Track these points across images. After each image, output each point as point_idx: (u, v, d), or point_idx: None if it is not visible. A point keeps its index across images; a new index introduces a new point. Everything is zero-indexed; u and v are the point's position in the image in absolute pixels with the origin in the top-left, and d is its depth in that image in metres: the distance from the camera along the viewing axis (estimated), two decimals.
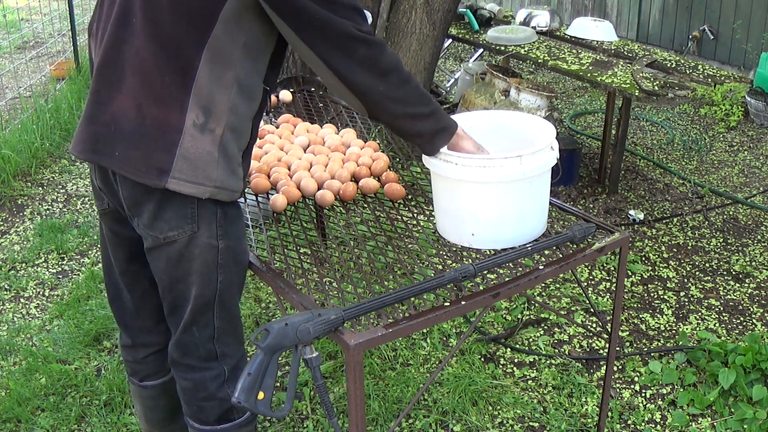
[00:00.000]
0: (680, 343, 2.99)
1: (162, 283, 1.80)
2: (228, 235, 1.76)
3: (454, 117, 1.96)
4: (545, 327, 3.13)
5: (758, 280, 3.46)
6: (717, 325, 3.14)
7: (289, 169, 2.39)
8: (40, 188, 4.44)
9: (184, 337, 1.83)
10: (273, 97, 3.02)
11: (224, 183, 1.69)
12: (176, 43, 1.60)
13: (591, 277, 3.48)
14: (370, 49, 1.65)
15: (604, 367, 2.36)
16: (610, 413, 2.63)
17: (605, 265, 3.56)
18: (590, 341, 3.04)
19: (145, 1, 1.61)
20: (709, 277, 3.49)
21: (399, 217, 2.22)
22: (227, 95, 1.64)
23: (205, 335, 1.82)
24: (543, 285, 3.38)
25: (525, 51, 4.47)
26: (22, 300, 3.37)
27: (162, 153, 1.62)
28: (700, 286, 3.42)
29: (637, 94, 3.79)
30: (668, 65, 4.24)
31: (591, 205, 4.19)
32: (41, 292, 3.43)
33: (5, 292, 3.42)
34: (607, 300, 3.28)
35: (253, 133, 1.75)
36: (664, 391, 2.77)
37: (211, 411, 1.89)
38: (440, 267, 1.96)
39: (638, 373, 2.85)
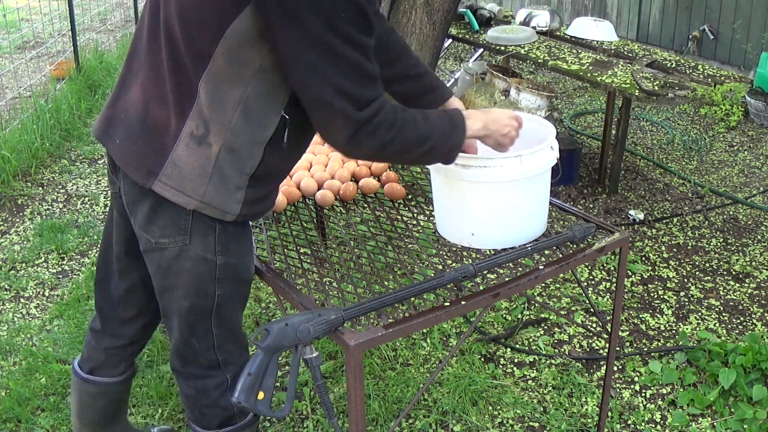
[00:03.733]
0: (680, 343, 2.99)
1: (155, 287, 1.81)
2: (229, 251, 1.71)
3: None
4: (545, 327, 3.13)
5: (758, 280, 3.46)
6: (717, 325, 3.14)
7: None
8: (40, 188, 4.43)
9: (184, 349, 1.82)
10: None
11: (213, 201, 1.62)
12: (183, 51, 1.56)
13: (591, 277, 3.48)
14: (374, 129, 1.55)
15: (604, 367, 2.36)
16: (610, 413, 2.62)
17: (605, 265, 3.56)
18: (590, 341, 3.04)
19: (164, 2, 1.59)
20: (709, 277, 3.49)
21: (399, 217, 2.22)
22: (229, 114, 1.57)
23: (205, 344, 1.80)
24: (543, 285, 3.38)
25: (525, 51, 4.47)
26: (22, 300, 3.37)
27: (155, 154, 1.62)
28: (700, 286, 3.41)
29: (637, 94, 3.79)
30: (668, 65, 4.24)
31: (591, 205, 4.19)
32: (41, 292, 3.43)
33: (5, 292, 3.42)
34: (607, 300, 3.28)
35: (266, 159, 1.64)
36: (664, 391, 2.76)
37: (213, 418, 1.88)
38: (440, 267, 1.97)
39: (638, 373, 2.85)
